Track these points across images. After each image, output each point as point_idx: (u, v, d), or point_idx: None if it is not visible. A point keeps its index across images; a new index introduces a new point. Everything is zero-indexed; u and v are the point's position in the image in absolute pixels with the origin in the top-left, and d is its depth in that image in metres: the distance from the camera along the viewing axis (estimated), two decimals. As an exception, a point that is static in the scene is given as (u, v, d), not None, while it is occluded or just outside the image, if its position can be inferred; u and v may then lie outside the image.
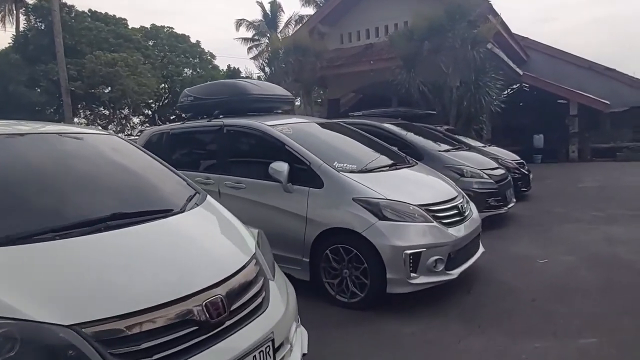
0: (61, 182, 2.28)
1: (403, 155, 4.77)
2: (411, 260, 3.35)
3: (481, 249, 4.16)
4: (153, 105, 28.60)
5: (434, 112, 10.49)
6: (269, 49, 14.89)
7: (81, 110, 29.91)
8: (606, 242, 5.05)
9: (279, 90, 5.16)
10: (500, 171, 6.71)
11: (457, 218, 3.79)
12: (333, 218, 3.62)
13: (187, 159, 4.88)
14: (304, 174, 3.82)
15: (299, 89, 14.80)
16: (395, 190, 3.71)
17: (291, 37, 14.27)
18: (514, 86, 19.27)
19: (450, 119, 11.39)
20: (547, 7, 73.09)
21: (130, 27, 28.34)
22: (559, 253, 4.73)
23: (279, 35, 26.65)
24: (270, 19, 32.85)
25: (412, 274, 3.37)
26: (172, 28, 31.00)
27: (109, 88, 22.07)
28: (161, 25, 30.89)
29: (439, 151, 6.49)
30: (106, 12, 26.97)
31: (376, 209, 3.48)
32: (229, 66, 31.50)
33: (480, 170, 6.26)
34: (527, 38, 19.39)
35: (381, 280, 3.40)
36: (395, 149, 5.04)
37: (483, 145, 8.87)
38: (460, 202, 3.95)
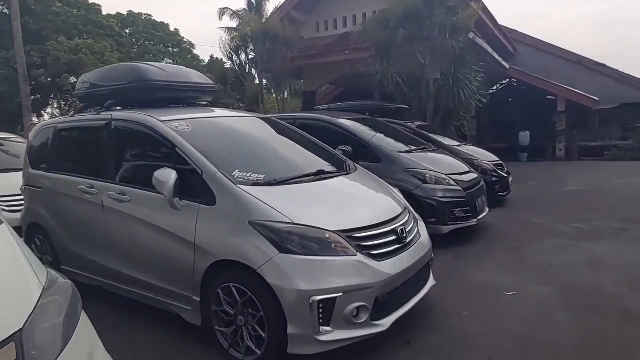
0: None
1: (343, 158, 3.83)
2: (321, 310, 2.44)
3: (431, 282, 3.26)
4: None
5: (407, 107, 9.56)
6: (237, 35, 13.81)
7: (55, 101, 28.62)
8: (589, 266, 4.18)
9: (196, 77, 4.17)
10: (472, 176, 5.79)
11: (395, 247, 2.87)
12: (223, 247, 2.70)
13: (71, 161, 3.95)
14: (195, 186, 2.90)
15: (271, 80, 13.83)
16: (311, 210, 2.80)
17: (260, 23, 13.17)
18: (504, 82, 18.47)
19: (427, 114, 10.48)
20: (539, 4, 72.37)
21: (105, 13, 27.12)
22: (531, 282, 3.85)
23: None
24: (255, 8, 31.70)
25: (323, 328, 2.47)
26: (150, 15, 29.87)
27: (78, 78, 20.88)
28: (139, 13, 29.74)
29: (400, 152, 5.55)
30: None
31: (278, 237, 2.55)
32: (211, 56, 30.37)
33: (446, 175, 5.34)
34: (515, 30, 18.58)
35: (282, 334, 2.50)
36: (336, 150, 4.14)
37: (458, 144, 7.99)
38: (402, 224, 3.02)
